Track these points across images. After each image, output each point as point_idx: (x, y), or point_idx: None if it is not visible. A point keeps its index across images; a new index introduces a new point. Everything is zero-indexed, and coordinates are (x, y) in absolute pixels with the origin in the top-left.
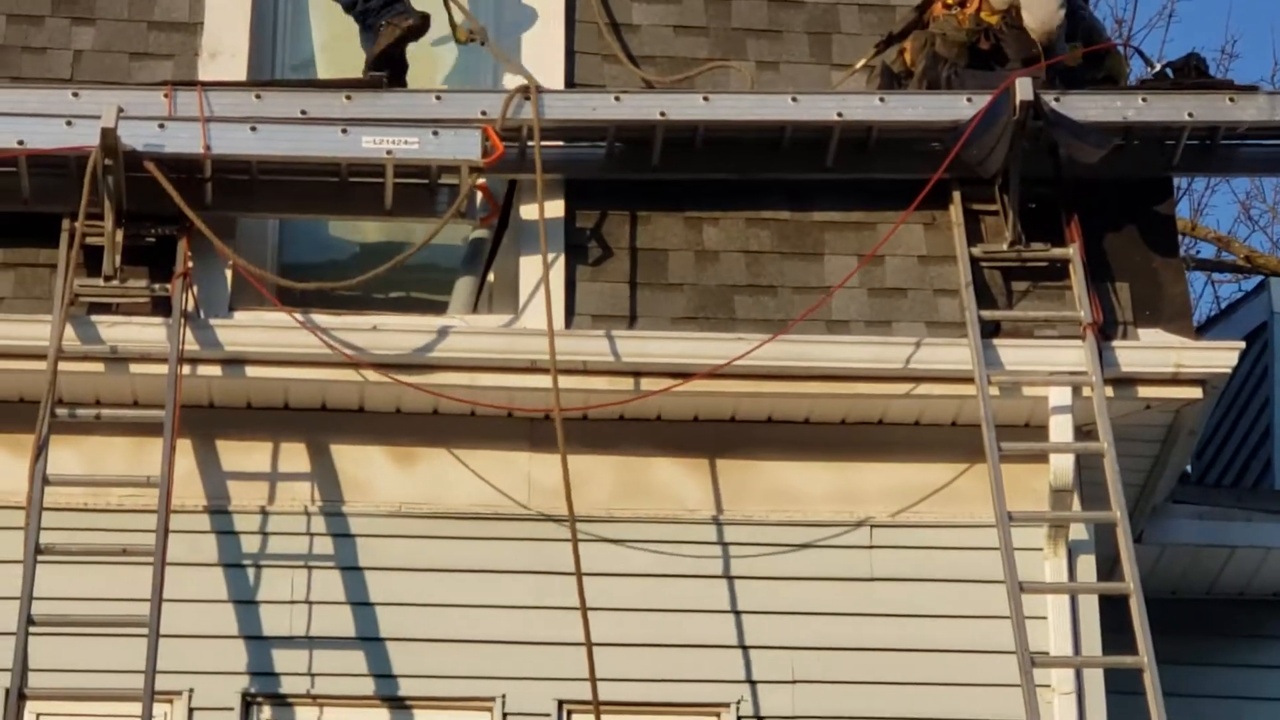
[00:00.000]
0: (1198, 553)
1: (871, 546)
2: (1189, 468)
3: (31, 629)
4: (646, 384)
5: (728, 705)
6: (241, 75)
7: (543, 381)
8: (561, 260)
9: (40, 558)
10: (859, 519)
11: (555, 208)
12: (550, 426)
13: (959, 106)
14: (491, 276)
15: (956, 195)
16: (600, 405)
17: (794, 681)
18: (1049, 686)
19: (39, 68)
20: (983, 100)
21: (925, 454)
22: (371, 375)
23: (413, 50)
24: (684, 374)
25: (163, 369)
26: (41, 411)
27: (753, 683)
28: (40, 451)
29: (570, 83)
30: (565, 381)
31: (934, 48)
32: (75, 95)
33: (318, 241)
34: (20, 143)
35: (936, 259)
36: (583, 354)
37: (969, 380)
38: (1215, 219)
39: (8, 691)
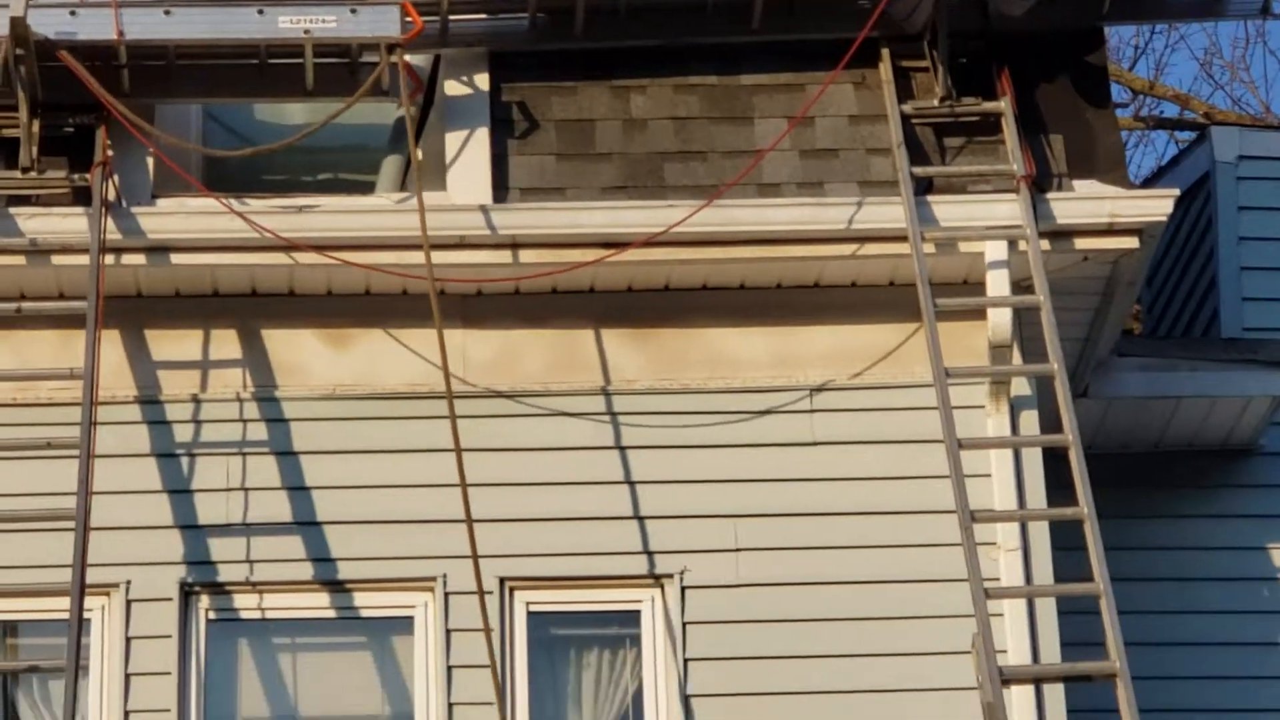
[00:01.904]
0: (1144, 405)
1: (812, 411)
2: (1140, 323)
3: None
4: (578, 255)
5: (671, 576)
6: None
7: (472, 257)
8: (487, 134)
9: None
10: (799, 383)
11: (480, 81)
12: (484, 301)
13: None
14: (419, 153)
15: (885, 53)
16: (530, 276)
17: (738, 550)
18: (994, 544)
19: None
20: None
21: (863, 315)
22: (301, 258)
23: None
24: (616, 244)
25: (85, 260)
26: None
27: (696, 552)
28: None
29: None
30: (494, 256)
31: None
32: None
33: (241, 125)
34: None
35: (868, 118)
36: (511, 227)
37: (904, 239)
38: (1177, 78)
39: None
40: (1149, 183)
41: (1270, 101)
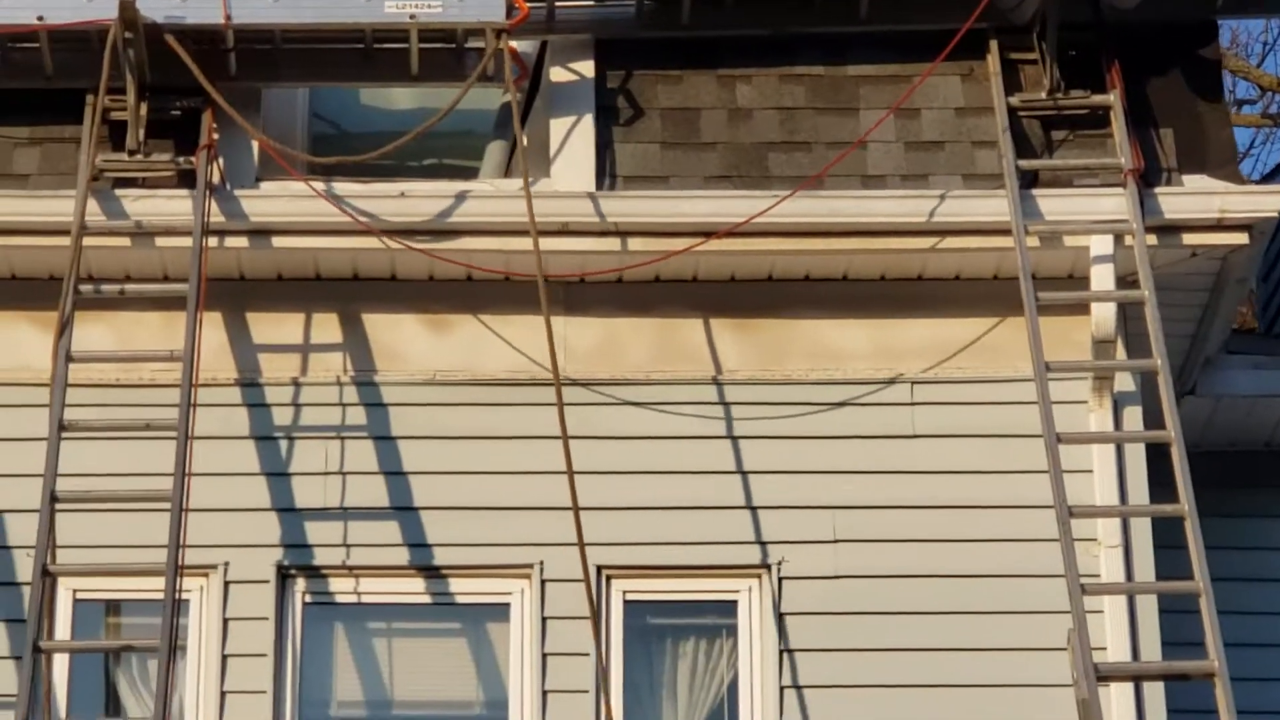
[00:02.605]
0: (1254, 403)
1: (912, 403)
2: (1256, 321)
3: (56, 506)
4: (680, 244)
5: (769, 566)
6: None
7: (575, 244)
8: (592, 121)
9: (64, 434)
10: (899, 375)
11: (585, 68)
12: (586, 289)
13: None
14: (524, 140)
15: (994, 44)
16: (633, 265)
17: (835, 541)
18: (1095, 540)
19: None
20: None
21: (966, 308)
22: (397, 243)
23: None
24: (719, 233)
25: (188, 242)
26: (65, 288)
27: (795, 543)
28: (64, 328)
29: None
30: (597, 244)
31: None
32: None
33: (348, 109)
34: (40, 18)
35: (974, 110)
36: (615, 215)
37: (1008, 232)
38: None
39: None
40: (1269, 179)
41: None
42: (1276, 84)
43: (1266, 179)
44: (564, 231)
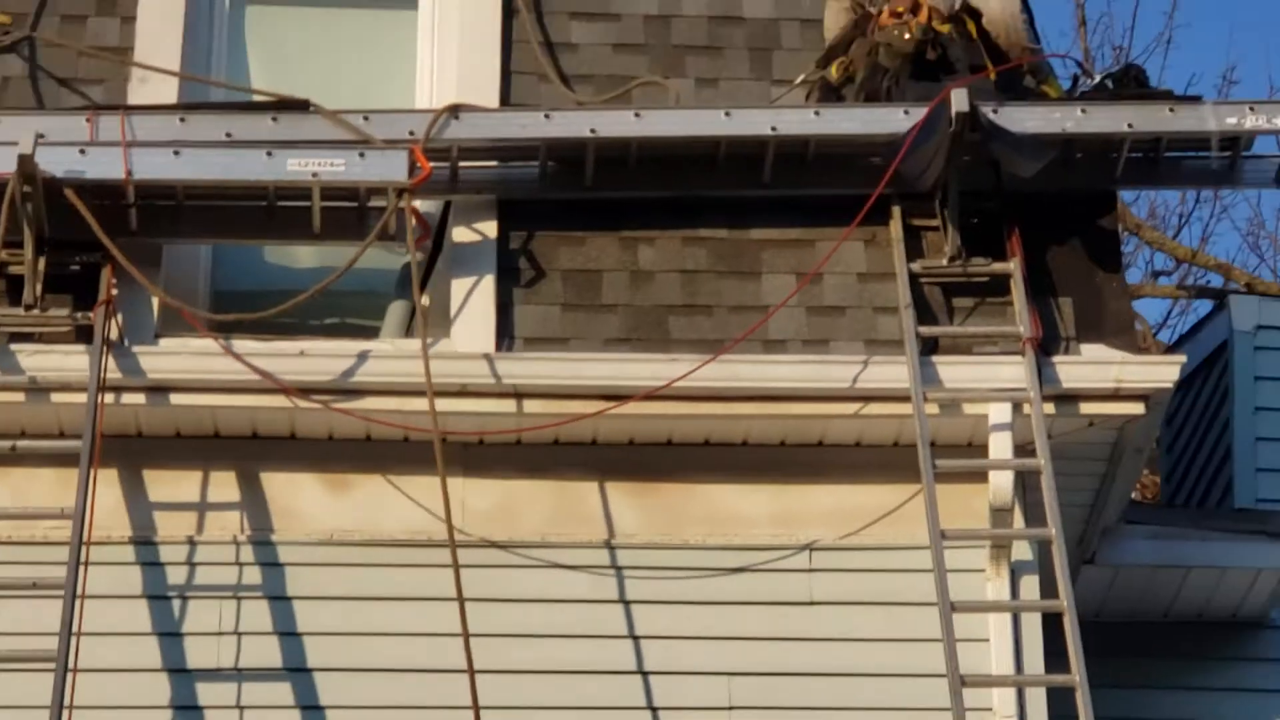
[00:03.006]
0: (1153, 573)
1: (811, 570)
2: (1158, 491)
3: None
4: (580, 407)
5: None
6: (173, 99)
7: (474, 405)
8: (493, 282)
9: None
10: (799, 542)
11: (488, 228)
12: (485, 450)
13: (896, 119)
14: (425, 300)
15: (896, 210)
16: (532, 429)
17: (731, 708)
18: (990, 710)
19: None
20: (920, 112)
21: (866, 475)
22: (302, 401)
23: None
24: (619, 396)
25: (84, 398)
26: None
27: (690, 709)
28: None
29: (506, 103)
30: (496, 405)
31: (876, 58)
32: None
33: (250, 265)
34: None
35: (876, 276)
36: (514, 377)
37: (908, 399)
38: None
39: None
40: (1171, 350)
41: None
42: (1191, 255)
43: (1171, 349)
44: (463, 393)
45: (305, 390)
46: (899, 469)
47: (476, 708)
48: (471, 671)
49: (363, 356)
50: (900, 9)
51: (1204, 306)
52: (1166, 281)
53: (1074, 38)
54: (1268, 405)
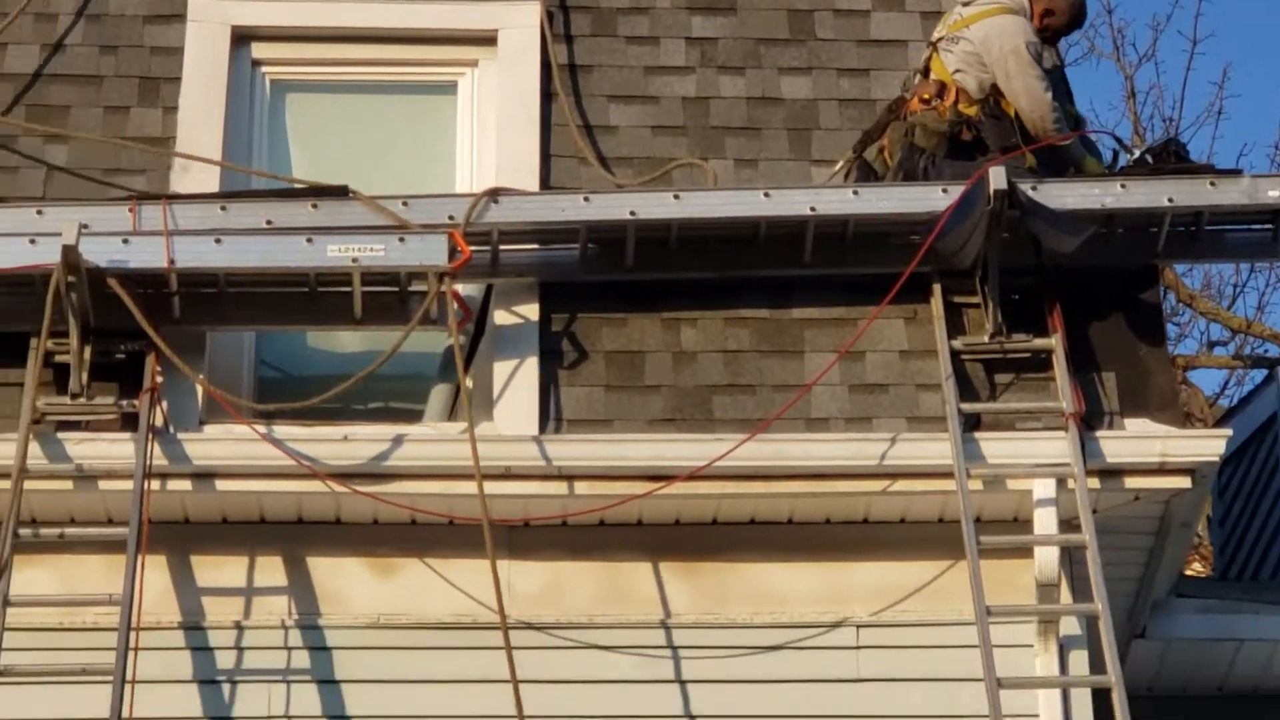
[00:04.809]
0: (1205, 647)
1: (858, 647)
2: (1211, 564)
3: None
4: (626, 487)
5: None
6: (214, 188)
7: (519, 488)
8: (536, 364)
9: (1, 679)
10: (844, 619)
11: (530, 311)
12: (530, 532)
13: (934, 198)
14: (469, 383)
15: (937, 288)
16: (578, 513)
17: None
18: None
19: (12, 187)
20: (958, 190)
21: (911, 551)
22: (340, 487)
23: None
24: (663, 477)
25: (131, 485)
26: (4, 531)
27: None
28: (2, 572)
29: (545, 186)
30: (542, 487)
31: (912, 138)
32: (39, 213)
33: (294, 350)
34: None
35: (918, 353)
36: (559, 459)
37: (951, 475)
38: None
39: None
40: (1220, 423)
41: None
42: (1246, 325)
43: (1219, 422)
44: (507, 475)
45: (348, 475)
46: (944, 544)
47: None
48: None
49: (406, 440)
50: (927, 94)
51: (1261, 376)
52: (1222, 352)
53: (1123, 110)
54: None
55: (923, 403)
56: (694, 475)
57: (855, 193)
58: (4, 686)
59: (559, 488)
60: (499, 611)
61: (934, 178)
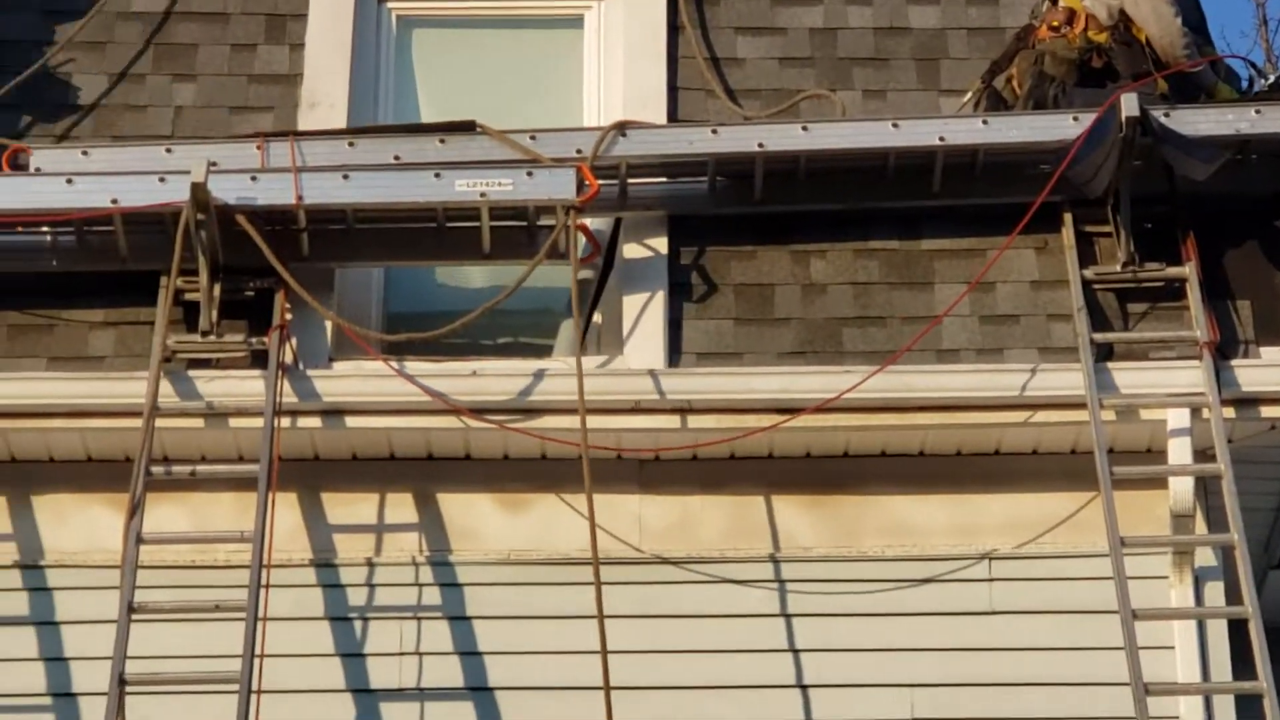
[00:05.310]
0: None
1: (991, 579)
2: None
3: (125, 689)
4: (753, 421)
5: None
6: (341, 124)
7: (649, 422)
8: (664, 298)
9: (134, 617)
10: (978, 552)
11: (659, 244)
12: (660, 467)
13: (1065, 126)
14: (598, 317)
15: (1068, 217)
16: (707, 444)
17: (913, 719)
18: (1176, 719)
19: (140, 125)
20: (1089, 118)
21: (1044, 483)
22: (474, 421)
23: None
24: (792, 410)
25: (261, 422)
26: (135, 470)
27: None
28: (134, 510)
29: (673, 119)
30: (670, 421)
31: (1042, 66)
32: (168, 151)
33: (423, 286)
34: (114, 201)
35: (1049, 284)
36: (687, 393)
37: (1083, 406)
38: None
39: None
40: None
41: None
42: None
43: None
44: (636, 410)
45: (478, 410)
46: (1077, 476)
47: None
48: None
49: (537, 375)
50: (1056, 22)
51: None
52: None
53: (1255, 38)
54: None
55: (1054, 333)
56: (822, 408)
57: (985, 122)
58: (137, 624)
59: (687, 421)
60: (591, 549)
61: (1064, 106)
